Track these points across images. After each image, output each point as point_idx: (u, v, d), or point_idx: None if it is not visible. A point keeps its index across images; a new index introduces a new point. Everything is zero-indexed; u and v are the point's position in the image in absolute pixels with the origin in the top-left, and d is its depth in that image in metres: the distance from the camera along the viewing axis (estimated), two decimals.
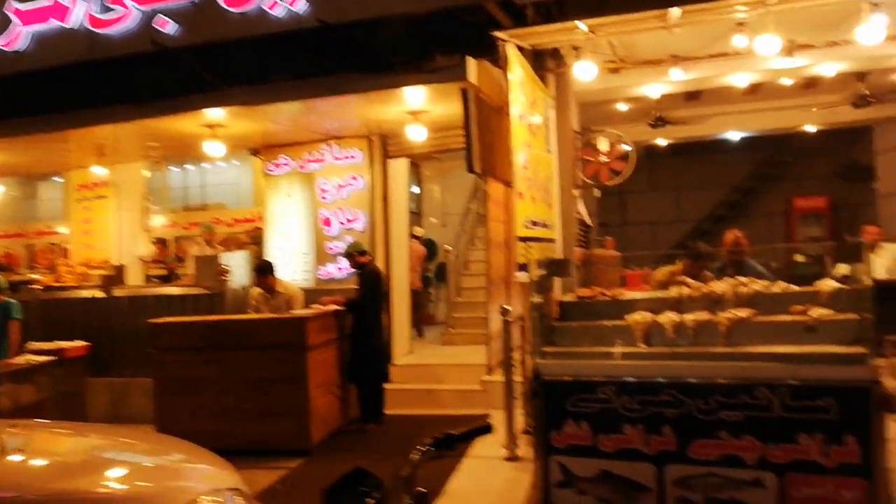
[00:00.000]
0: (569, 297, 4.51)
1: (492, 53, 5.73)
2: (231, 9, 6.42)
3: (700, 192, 15.10)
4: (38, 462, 2.87)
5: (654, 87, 7.72)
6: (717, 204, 14.90)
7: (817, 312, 3.54)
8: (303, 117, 7.04)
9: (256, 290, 6.84)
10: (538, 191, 6.12)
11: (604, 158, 7.60)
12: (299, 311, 6.31)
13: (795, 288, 3.86)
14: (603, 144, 7.59)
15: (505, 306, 5.47)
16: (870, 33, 5.64)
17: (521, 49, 5.82)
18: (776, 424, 3.31)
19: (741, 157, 14.53)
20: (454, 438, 1.91)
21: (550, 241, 7.18)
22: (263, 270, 6.76)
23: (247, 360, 5.88)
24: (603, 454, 3.66)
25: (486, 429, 1.97)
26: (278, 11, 6.26)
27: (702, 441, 3.45)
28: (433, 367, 7.54)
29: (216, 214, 11.29)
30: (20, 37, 7.22)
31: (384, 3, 5.98)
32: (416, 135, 6.70)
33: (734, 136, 12.20)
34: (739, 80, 7.58)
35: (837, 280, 3.83)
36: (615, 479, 3.65)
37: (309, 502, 2.29)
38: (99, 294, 8.05)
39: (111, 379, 7.35)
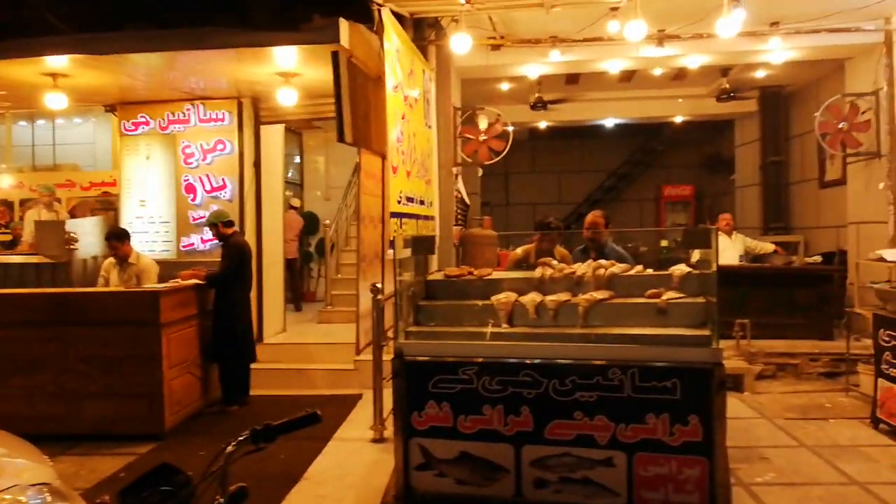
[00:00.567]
0: (436, 276, 4.41)
1: (371, 20, 5.47)
2: None
3: (580, 176, 15.65)
4: None
5: (534, 68, 7.77)
6: (595, 188, 15.49)
7: (668, 296, 3.64)
8: (163, 73, 6.43)
9: (108, 261, 6.28)
10: (415, 166, 5.97)
11: (483, 137, 7.56)
12: (152, 286, 5.82)
13: (651, 272, 3.97)
14: (483, 122, 7.54)
15: (376, 284, 5.30)
16: (728, 26, 5.91)
17: (401, 18, 5.60)
18: (627, 405, 3.39)
19: (618, 143, 15.20)
20: (274, 430, 1.74)
21: (429, 218, 7.08)
22: (116, 237, 6.19)
23: (93, 338, 5.40)
24: (463, 436, 3.62)
25: (313, 418, 1.81)
26: None
27: (558, 422, 3.49)
28: (306, 346, 7.27)
29: (69, 176, 10.27)
30: None
31: None
32: (288, 99, 6.31)
33: (611, 122, 12.67)
34: (614, 66, 7.79)
35: (690, 265, 3.98)
36: (474, 461, 3.63)
37: None
38: None
39: None
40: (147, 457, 4.97)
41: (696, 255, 4.66)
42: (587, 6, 5.90)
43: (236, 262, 6.06)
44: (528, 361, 3.53)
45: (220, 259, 6.21)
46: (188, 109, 7.29)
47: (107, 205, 8.35)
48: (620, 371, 3.39)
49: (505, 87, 9.44)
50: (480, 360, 3.59)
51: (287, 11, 5.59)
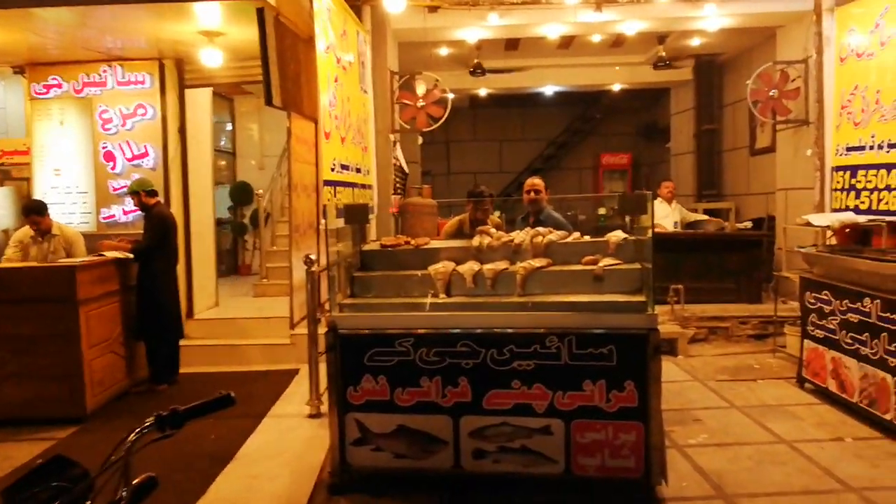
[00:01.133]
0: (372, 246, 4.26)
1: None
2: None
3: (520, 144, 15.62)
4: None
5: (473, 32, 7.59)
6: (535, 157, 15.50)
7: (604, 262, 3.62)
8: (75, 30, 5.94)
9: (21, 232, 5.86)
10: (350, 132, 5.75)
11: (421, 103, 7.36)
12: (71, 260, 5.46)
13: (588, 238, 3.93)
14: (421, 88, 7.34)
15: (309, 256, 5.11)
16: None
17: None
18: (564, 372, 3.37)
19: (558, 112, 15.22)
20: (182, 415, 1.59)
21: (365, 186, 6.88)
22: (36, 211, 5.78)
23: (4, 316, 5.06)
24: (400, 409, 3.55)
25: (227, 400, 1.66)
26: None
27: (496, 391, 3.44)
28: (240, 321, 7.02)
29: None
30: None
31: None
32: (213, 60, 5.95)
33: (550, 90, 12.64)
34: (552, 30, 7.69)
35: (627, 231, 3.96)
36: (412, 434, 3.57)
37: None
38: None
39: None
40: (67, 441, 4.71)
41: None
42: None
43: (160, 234, 5.74)
44: (465, 331, 3.46)
45: (143, 231, 5.88)
46: (105, 71, 6.80)
47: (6, 175, 7.72)
48: (558, 339, 3.36)
49: (444, 52, 9.23)
50: (417, 331, 3.50)
51: None
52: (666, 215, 7.97)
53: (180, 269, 6.35)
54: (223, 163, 11.48)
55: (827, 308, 4.83)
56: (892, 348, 4.11)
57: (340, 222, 4.04)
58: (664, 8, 6.78)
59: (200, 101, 7.38)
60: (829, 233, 6.02)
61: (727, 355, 6.44)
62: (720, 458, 3.99)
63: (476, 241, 3.92)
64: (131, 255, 5.67)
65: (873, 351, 4.30)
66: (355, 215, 4.01)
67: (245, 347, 6.59)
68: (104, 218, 6.88)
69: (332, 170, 5.13)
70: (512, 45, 9.37)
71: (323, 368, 4.89)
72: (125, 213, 6.83)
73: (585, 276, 3.65)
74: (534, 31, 7.65)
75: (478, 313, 3.52)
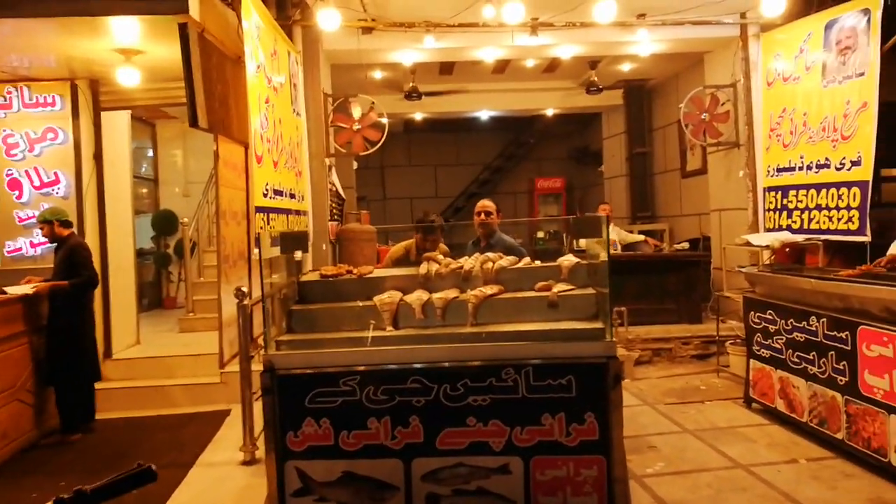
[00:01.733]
0: (311, 276, 3.97)
1: None
2: None
3: (456, 169, 15.62)
4: None
5: (408, 54, 7.44)
6: (471, 181, 15.49)
7: (558, 288, 3.46)
8: None
9: None
10: (283, 156, 5.44)
11: (357, 126, 7.12)
12: None
13: (539, 263, 3.77)
14: (356, 111, 7.10)
15: (241, 288, 4.75)
16: (602, 13, 6.05)
17: None
18: (522, 406, 3.16)
19: (492, 136, 15.31)
20: (89, 498, 1.26)
21: (301, 213, 6.55)
22: None
23: None
24: (346, 454, 3.25)
25: (146, 475, 1.33)
26: None
27: (450, 430, 3.20)
28: (165, 360, 6.50)
29: None
30: None
31: None
32: (130, 79, 5.54)
33: (485, 115, 12.66)
34: (488, 54, 7.64)
35: (575, 254, 3.83)
36: (359, 480, 3.26)
37: None
38: None
39: None
40: None
41: (582, 243, 4.54)
42: None
43: (90, 264, 5.26)
44: (415, 366, 3.21)
45: (54, 266, 5.35)
46: (9, 93, 6.25)
47: None
48: (514, 370, 3.15)
49: (378, 75, 9.06)
50: (363, 368, 3.23)
51: None
52: None
53: (96, 304, 5.83)
54: (144, 190, 10.85)
55: (772, 327, 4.84)
56: (840, 367, 4.12)
57: (275, 251, 3.72)
58: (599, 33, 6.83)
59: (118, 125, 6.89)
60: (766, 252, 6.11)
61: (673, 377, 6.41)
62: (679, 487, 3.87)
63: (423, 268, 3.70)
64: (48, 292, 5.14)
65: (821, 370, 4.30)
66: (293, 243, 3.71)
67: (170, 388, 6.11)
68: (9, 252, 6.26)
69: (266, 195, 4.81)
70: (447, 69, 9.29)
71: (258, 409, 4.52)
72: (33, 245, 6.24)
73: (540, 302, 3.48)
74: (470, 54, 7.57)
75: (429, 346, 3.28)
